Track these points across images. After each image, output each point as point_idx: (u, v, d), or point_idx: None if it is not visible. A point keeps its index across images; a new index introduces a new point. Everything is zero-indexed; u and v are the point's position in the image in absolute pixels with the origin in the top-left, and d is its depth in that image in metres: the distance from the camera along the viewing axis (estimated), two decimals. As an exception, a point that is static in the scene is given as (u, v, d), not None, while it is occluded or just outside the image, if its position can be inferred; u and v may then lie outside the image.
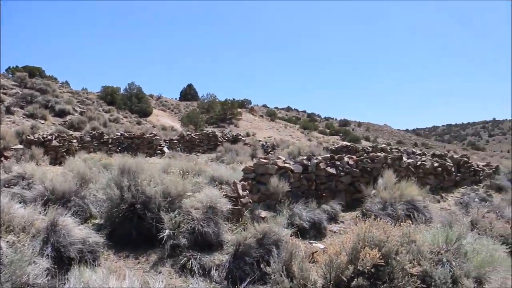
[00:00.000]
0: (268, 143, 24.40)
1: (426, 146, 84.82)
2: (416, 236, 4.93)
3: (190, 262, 6.01)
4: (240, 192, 7.87)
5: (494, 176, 13.84)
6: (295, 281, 4.68)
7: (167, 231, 6.27)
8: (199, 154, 22.16)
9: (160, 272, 5.92)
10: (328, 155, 10.38)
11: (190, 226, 6.42)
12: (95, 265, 5.84)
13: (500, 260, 5.16)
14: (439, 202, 11.36)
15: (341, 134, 75.75)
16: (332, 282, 4.48)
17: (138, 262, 6.22)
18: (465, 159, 14.23)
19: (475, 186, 13.21)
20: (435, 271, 4.42)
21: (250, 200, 8.11)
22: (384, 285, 4.25)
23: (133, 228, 6.66)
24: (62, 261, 5.54)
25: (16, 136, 18.12)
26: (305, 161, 9.58)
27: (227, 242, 6.67)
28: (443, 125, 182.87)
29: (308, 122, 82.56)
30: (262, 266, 5.54)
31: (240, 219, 7.49)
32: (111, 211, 6.83)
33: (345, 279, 4.33)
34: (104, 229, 6.54)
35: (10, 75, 40.50)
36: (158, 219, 6.58)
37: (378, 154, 11.96)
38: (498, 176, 13.79)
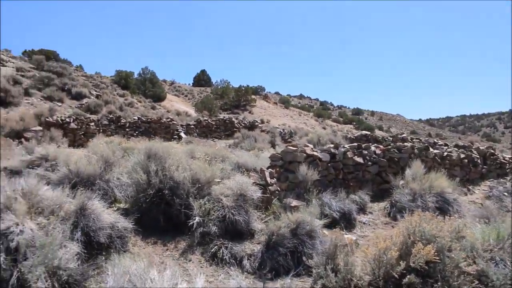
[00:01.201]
0: (285, 130, 24.13)
1: (441, 137, 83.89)
2: (466, 232, 4.64)
3: (221, 250, 5.81)
4: (268, 179, 7.63)
5: (521, 169, 13.43)
6: (340, 276, 4.42)
7: (197, 218, 6.06)
8: (216, 140, 21.97)
9: (190, 260, 5.73)
10: (355, 144, 10.07)
11: (221, 214, 6.20)
12: (124, 251, 5.68)
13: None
14: (466, 195, 11.01)
15: (354, 123, 75.11)
16: (381, 278, 4.22)
17: (167, 249, 6.02)
18: (491, 151, 13.82)
19: (501, 179, 12.82)
20: (492, 271, 4.13)
21: (278, 188, 7.88)
22: (438, 283, 3.98)
23: (160, 214, 6.46)
24: (92, 246, 5.36)
25: (35, 118, 18.07)
26: (332, 150, 9.29)
27: (258, 231, 6.45)
28: (457, 116, 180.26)
29: (322, 110, 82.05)
30: (304, 258, 5.31)
31: (269, 207, 7.27)
32: (137, 196, 6.62)
33: (396, 275, 4.06)
34: (131, 214, 6.33)
35: (27, 58, 40.44)
36: (187, 206, 6.38)
37: (405, 144, 11.63)
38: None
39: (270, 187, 7.53)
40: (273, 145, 17.75)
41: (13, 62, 32.72)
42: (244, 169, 8.39)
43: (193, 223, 6.02)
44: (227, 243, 5.95)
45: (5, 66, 30.60)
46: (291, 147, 8.67)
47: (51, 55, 46.74)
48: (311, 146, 9.32)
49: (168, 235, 6.36)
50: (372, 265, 4.34)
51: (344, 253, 4.70)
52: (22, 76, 29.94)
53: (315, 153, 8.81)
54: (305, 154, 8.56)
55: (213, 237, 6.05)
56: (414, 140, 18.43)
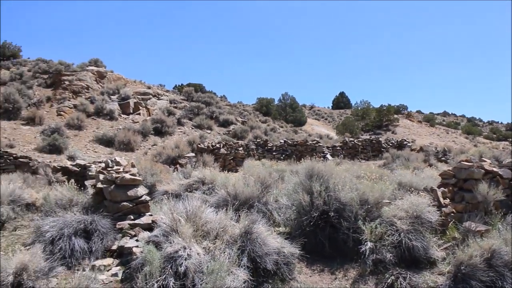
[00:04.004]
0: (438, 149, 22.34)
1: None
2: None
3: (399, 281, 5.07)
4: (441, 200, 6.72)
5: None
6: None
7: (369, 244, 5.41)
8: (363, 160, 21.06)
9: (363, 292, 5.09)
10: (540, 158, 8.61)
11: (395, 239, 5.47)
12: (290, 279, 5.25)
13: None
14: None
15: (510, 140, 67.90)
16: None
17: (335, 278, 5.46)
18: None
19: None
20: None
21: (453, 209, 6.89)
22: None
23: (325, 238, 5.94)
24: (257, 273, 5.01)
25: (188, 145, 19.02)
26: (514, 165, 7.99)
27: (438, 260, 5.58)
28: None
29: (471, 127, 75.77)
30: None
31: (447, 232, 6.33)
32: (300, 218, 6.17)
33: None
34: (294, 238, 5.88)
35: (177, 92, 43.59)
36: (355, 229, 5.77)
37: None
38: None
39: (444, 209, 6.60)
40: (429, 164, 16.39)
41: (167, 95, 35.40)
42: (410, 189, 7.55)
43: (365, 249, 5.38)
44: (404, 272, 5.20)
45: (161, 99, 33.16)
46: (465, 163, 7.60)
47: (198, 88, 49.76)
48: (489, 161, 8.13)
49: (335, 262, 5.80)
50: None
51: None
52: (175, 107, 32.24)
53: (494, 169, 7.63)
54: (483, 170, 7.43)
55: (387, 265, 5.34)
56: None
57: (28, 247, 5.65)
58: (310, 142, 20.63)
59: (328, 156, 20.34)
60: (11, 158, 13.76)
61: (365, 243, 5.43)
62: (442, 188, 7.23)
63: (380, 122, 54.32)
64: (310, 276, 5.52)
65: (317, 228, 5.97)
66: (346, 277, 5.45)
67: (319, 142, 21.22)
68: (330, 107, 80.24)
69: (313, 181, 6.36)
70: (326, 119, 65.93)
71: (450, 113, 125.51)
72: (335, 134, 45.90)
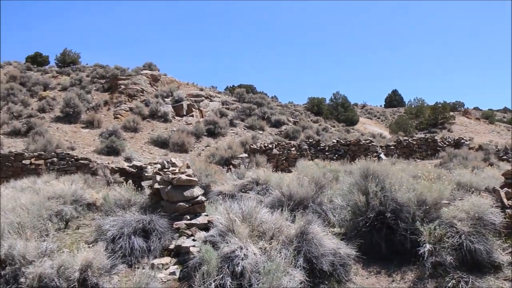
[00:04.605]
0: (499, 147, 21.40)
1: None
2: None
3: (460, 285, 4.90)
4: (505, 201, 6.43)
5: None
6: None
7: (427, 246, 5.26)
8: (418, 160, 20.51)
9: (423, 296, 4.96)
10: None
11: (456, 241, 5.29)
12: (347, 280, 5.19)
13: None
14: None
15: None
16: None
17: (393, 281, 5.35)
18: None
19: None
20: None
21: (518, 211, 6.59)
22: None
23: (381, 239, 5.82)
24: (313, 274, 4.99)
25: (240, 145, 19.20)
26: None
27: (504, 264, 5.35)
28: None
29: (538, 124, 72.14)
30: None
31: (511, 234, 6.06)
32: (355, 219, 6.09)
33: None
34: (349, 239, 5.81)
35: (229, 93, 44.11)
36: (412, 231, 5.63)
37: None
38: None
39: (508, 210, 6.32)
40: (489, 163, 15.73)
41: (219, 97, 35.87)
42: (470, 189, 7.28)
43: (423, 252, 5.24)
44: (466, 276, 5.02)
45: (213, 101, 33.64)
46: (530, 162, 7.28)
47: (249, 89, 50.09)
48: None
49: (392, 264, 5.68)
50: None
51: None
52: (227, 108, 32.63)
53: (562, 169, 7.26)
54: (550, 170, 7.09)
55: (448, 268, 5.17)
56: None
57: (90, 245, 5.89)
58: (363, 141, 20.28)
59: (382, 155, 19.95)
60: (72, 160, 14.37)
61: (424, 245, 5.29)
62: (506, 189, 6.92)
63: (435, 120, 52.72)
64: (367, 278, 5.44)
65: (373, 229, 5.87)
66: (404, 280, 5.33)
67: (373, 142, 20.83)
68: (383, 106, 78.65)
69: (368, 181, 6.26)
70: (378, 118, 64.68)
71: (511, 109, 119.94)
72: (388, 133, 45.03)
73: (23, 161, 14.30)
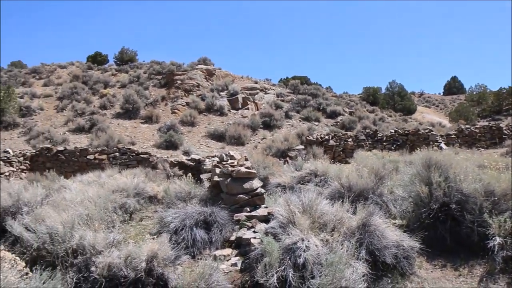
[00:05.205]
0: None
1: None
2: None
3: (534, 281, 4.67)
4: None
5: None
6: None
7: (498, 239, 5.04)
8: (481, 149, 19.70)
9: (492, 291, 4.76)
10: None
11: (528, 234, 5.05)
12: (411, 274, 5.06)
13: None
14: None
15: None
16: None
17: (459, 275, 5.15)
18: None
19: None
20: None
21: None
22: None
23: (446, 232, 5.63)
24: (376, 266, 4.90)
25: (296, 137, 19.17)
26: None
27: None
28: None
29: None
30: None
31: None
32: (418, 211, 5.92)
33: None
34: (411, 231, 5.66)
35: (283, 85, 44.01)
36: (480, 223, 5.41)
37: None
38: None
39: None
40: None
41: (273, 89, 35.89)
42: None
43: (493, 245, 5.02)
44: (540, 271, 4.79)
45: (268, 93, 33.71)
46: None
47: (303, 80, 49.77)
48: None
49: (458, 257, 5.48)
50: None
51: None
52: (282, 101, 32.62)
53: None
54: None
55: (520, 262, 4.95)
56: None
57: (153, 236, 6.05)
58: (422, 131, 19.68)
59: (442, 145, 19.32)
60: (133, 154, 14.88)
61: (493, 238, 5.06)
62: None
63: (500, 107, 50.26)
64: (431, 271, 5.28)
65: (437, 221, 5.69)
66: (471, 274, 5.13)
67: (432, 131, 20.19)
68: (441, 93, 76.03)
69: (431, 172, 6.07)
70: (437, 106, 62.65)
71: None
72: (448, 121, 43.50)
73: (88, 156, 14.99)
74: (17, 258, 4.05)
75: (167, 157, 14.98)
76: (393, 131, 19.81)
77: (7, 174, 12.94)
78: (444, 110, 57.77)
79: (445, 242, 5.64)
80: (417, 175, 6.26)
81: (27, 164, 14.75)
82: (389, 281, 4.83)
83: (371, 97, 49.52)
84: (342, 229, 5.10)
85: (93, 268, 4.82)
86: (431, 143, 19.14)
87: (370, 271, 4.67)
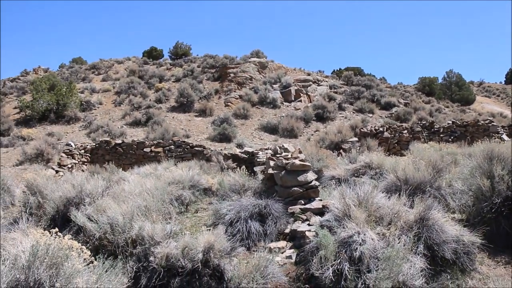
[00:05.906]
0: None
1: None
2: None
3: None
4: None
5: None
6: None
7: None
8: (548, 141, 18.77)
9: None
10: None
11: None
12: (471, 270, 4.91)
13: None
14: None
15: None
16: None
17: (525, 272, 4.94)
18: None
19: None
20: None
21: None
22: None
23: (510, 227, 5.42)
24: (434, 261, 4.79)
25: (350, 129, 18.93)
26: None
27: None
28: None
29: None
30: None
31: None
32: (479, 205, 5.73)
33: None
34: (471, 226, 5.47)
35: (336, 77, 43.50)
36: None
37: None
38: None
39: None
40: None
41: (326, 81, 35.54)
42: None
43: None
44: None
45: (321, 85, 33.43)
46: None
47: (356, 71, 48.95)
48: None
49: (523, 254, 5.26)
50: None
51: None
52: (335, 92, 32.28)
53: None
54: None
55: None
56: None
57: (209, 228, 6.16)
58: (482, 121, 18.92)
59: (504, 136, 18.53)
60: (188, 147, 15.19)
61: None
62: None
63: None
64: (494, 268, 5.10)
65: (499, 215, 5.49)
66: (537, 271, 4.93)
67: (493, 122, 19.38)
68: (503, 82, 72.67)
69: (493, 164, 5.85)
70: (498, 95, 59.92)
71: None
72: (510, 111, 41.59)
73: (144, 149, 15.43)
74: (83, 247, 4.24)
75: (221, 149, 15.18)
76: (450, 122, 19.17)
77: (69, 166, 13.50)
78: (505, 100, 55.23)
79: (509, 238, 5.43)
80: (478, 168, 6.05)
81: (87, 157, 15.35)
82: (449, 277, 4.71)
83: (427, 87, 48.00)
84: (399, 223, 5.01)
85: (151, 258, 4.97)
86: (491, 134, 18.40)
87: (428, 266, 4.57)
